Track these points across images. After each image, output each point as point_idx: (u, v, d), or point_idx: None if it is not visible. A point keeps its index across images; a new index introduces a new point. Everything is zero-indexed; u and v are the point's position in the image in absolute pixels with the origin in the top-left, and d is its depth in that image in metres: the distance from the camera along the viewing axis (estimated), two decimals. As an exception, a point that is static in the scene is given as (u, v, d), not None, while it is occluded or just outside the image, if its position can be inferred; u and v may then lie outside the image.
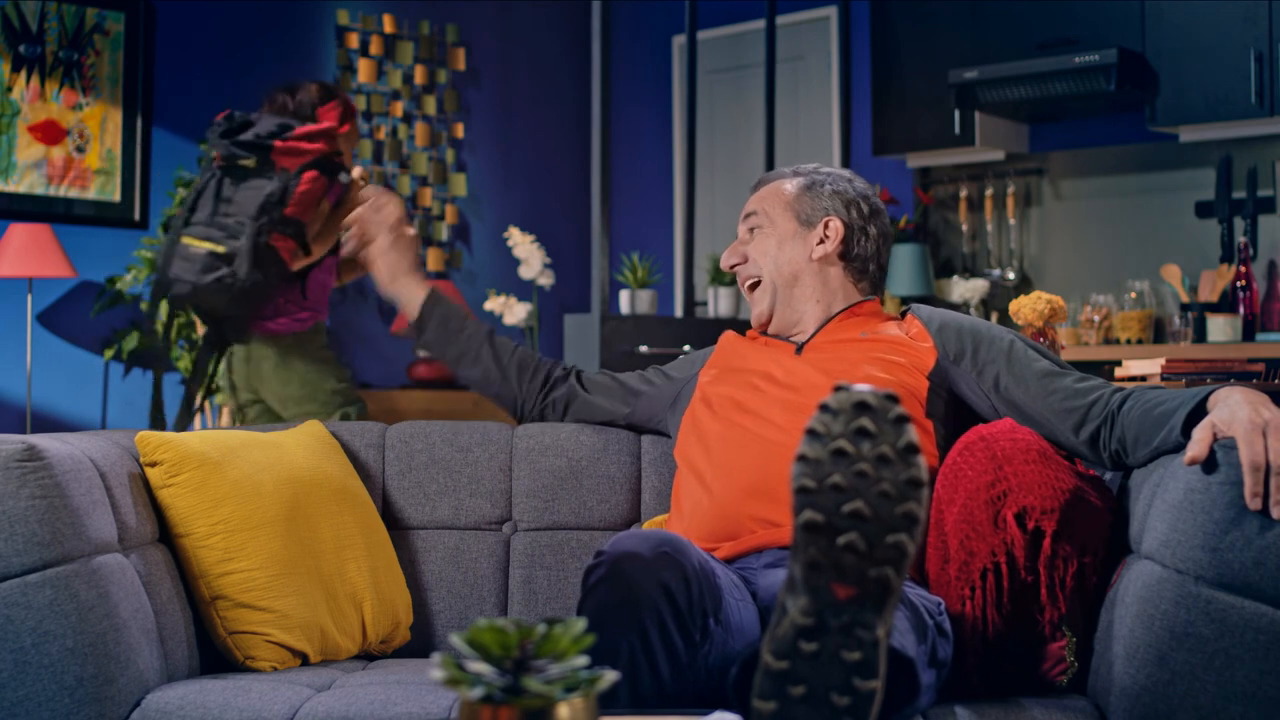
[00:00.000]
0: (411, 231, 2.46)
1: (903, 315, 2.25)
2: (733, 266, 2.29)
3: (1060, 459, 1.94)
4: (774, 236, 2.25)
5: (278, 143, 3.58)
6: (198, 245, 3.54)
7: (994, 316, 5.54)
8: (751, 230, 2.27)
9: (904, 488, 1.29)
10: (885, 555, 1.29)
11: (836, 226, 2.23)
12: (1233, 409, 1.74)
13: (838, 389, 1.32)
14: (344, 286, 5.88)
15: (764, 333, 2.28)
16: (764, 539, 2.00)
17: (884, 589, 1.29)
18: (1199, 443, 1.73)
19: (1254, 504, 1.66)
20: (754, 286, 2.27)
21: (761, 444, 2.06)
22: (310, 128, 3.62)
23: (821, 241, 2.23)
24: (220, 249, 3.64)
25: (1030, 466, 1.89)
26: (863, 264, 2.25)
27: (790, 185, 2.28)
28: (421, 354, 5.54)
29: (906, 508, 1.29)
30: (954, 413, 2.13)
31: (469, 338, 2.42)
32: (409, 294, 2.44)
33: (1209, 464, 1.72)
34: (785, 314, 2.24)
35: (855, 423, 1.30)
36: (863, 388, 1.31)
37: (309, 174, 3.57)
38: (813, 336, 2.21)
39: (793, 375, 2.14)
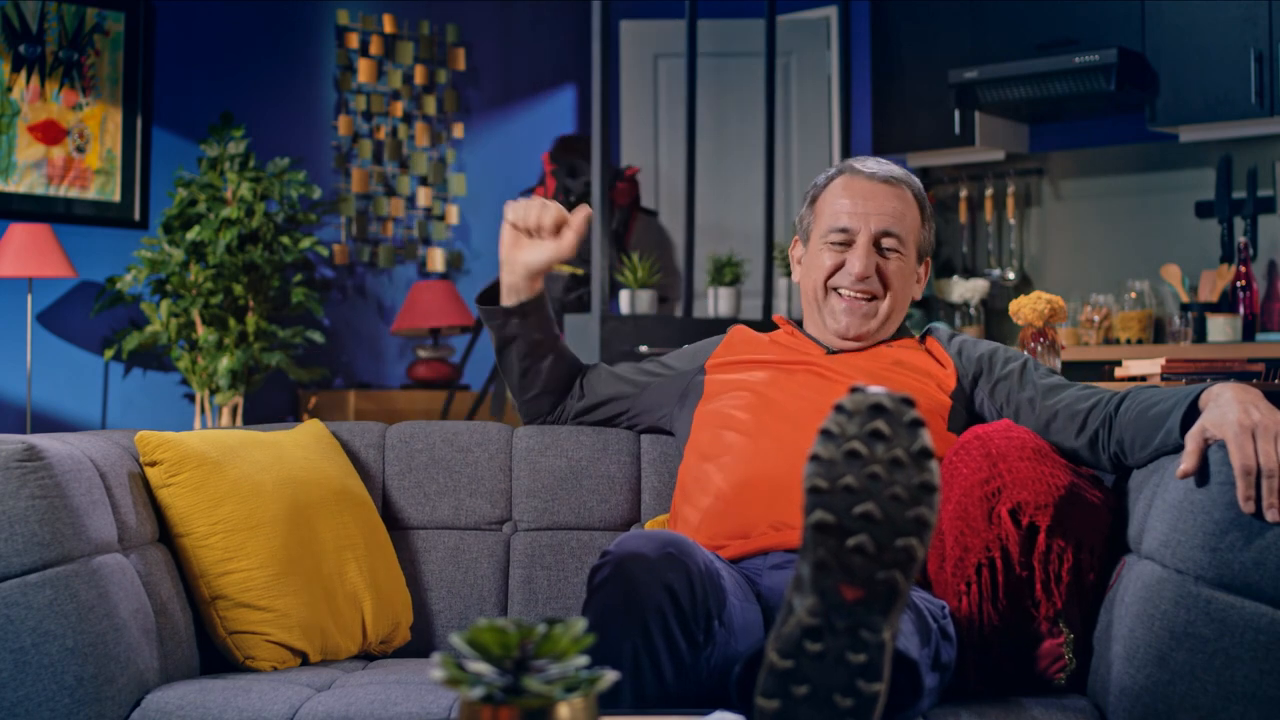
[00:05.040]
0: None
1: (922, 339, 2.28)
2: (865, 279, 2.20)
3: (1056, 456, 1.95)
4: (908, 267, 2.24)
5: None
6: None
7: (994, 318, 5.53)
8: (887, 251, 2.21)
9: (916, 492, 1.29)
10: (894, 558, 1.29)
11: (925, 270, 2.29)
12: (1223, 409, 1.74)
13: (854, 390, 1.31)
14: (344, 287, 5.89)
15: (807, 334, 2.28)
16: (775, 540, 2.00)
17: (892, 592, 1.29)
18: (1190, 454, 1.73)
19: (1247, 508, 1.66)
20: (868, 300, 2.21)
21: (781, 445, 2.06)
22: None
23: (919, 281, 2.28)
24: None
25: (1025, 463, 1.89)
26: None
27: (916, 209, 2.25)
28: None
29: (917, 512, 1.28)
30: None
31: (552, 337, 2.35)
32: (530, 286, 2.31)
33: (1207, 465, 1.72)
34: (875, 337, 2.25)
35: (870, 425, 1.30)
36: (878, 390, 1.31)
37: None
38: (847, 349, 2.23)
39: (821, 377, 2.16)
